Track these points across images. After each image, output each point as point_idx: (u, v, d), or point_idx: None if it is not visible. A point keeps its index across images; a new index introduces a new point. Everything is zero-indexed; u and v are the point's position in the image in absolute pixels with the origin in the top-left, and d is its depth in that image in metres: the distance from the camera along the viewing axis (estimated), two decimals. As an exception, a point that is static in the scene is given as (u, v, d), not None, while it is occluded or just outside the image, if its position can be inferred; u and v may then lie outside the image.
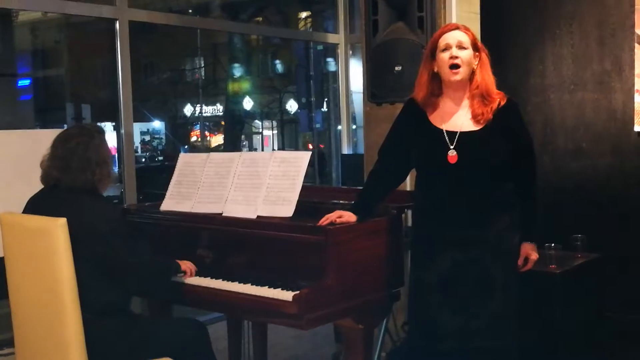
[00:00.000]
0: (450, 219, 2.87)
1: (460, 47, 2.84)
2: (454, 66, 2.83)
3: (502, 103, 2.88)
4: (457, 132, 2.86)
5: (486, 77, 2.88)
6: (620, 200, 4.25)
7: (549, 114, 4.52)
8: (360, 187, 3.18)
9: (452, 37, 2.86)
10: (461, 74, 2.84)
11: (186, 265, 3.07)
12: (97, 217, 2.85)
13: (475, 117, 2.86)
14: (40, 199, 3.00)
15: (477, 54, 2.88)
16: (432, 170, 2.93)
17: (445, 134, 2.87)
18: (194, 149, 22.95)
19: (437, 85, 2.93)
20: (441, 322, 2.88)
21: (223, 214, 3.20)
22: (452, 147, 2.84)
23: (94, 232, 2.81)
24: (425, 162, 2.95)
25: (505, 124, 2.87)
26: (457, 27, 2.91)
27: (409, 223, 3.21)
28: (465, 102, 2.91)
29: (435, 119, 2.93)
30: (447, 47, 2.85)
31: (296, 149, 21.41)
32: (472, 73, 2.88)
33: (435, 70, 2.90)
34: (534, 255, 2.98)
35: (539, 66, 4.55)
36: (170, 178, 3.55)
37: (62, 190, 2.92)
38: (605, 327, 4.01)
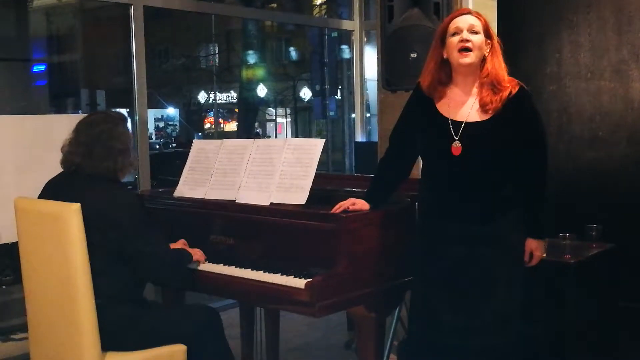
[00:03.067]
0: (453, 213, 2.79)
1: (472, 31, 2.74)
2: (464, 49, 2.73)
3: (514, 92, 2.76)
4: (462, 122, 2.77)
5: (497, 65, 2.77)
6: (636, 189, 4.21)
7: (565, 103, 4.49)
8: (374, 175, 3.16)
9: (464, 21, 2.76)
10: (471, 57, 2.73)
11: (197, 255, 3.07)
12: (115, 205, 2.86)
13: (483, 107, 2.76)
14: (59, 183, 3.00)
15: (488, 41, 2.79)
16: (436, 161, 2.85)
17: (450, 123, 2.78)
18: (208, 135, 22.99)
19: (445, 72, 2.84)
20: (443, 318, 2.82)
21: (236, 201, 3.20)
22: (456, 138, 2.75)
23: (111, 220, 2.81)
24: (429, 153, 2.88)
25: (515, 114, 2.76)
26: (469, 12, 2.82)
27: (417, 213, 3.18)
28: (474, 91, 2.80)
29: (442, 107, 2.83)
30: (458, 31, 2.75)
31: (309, 136, 21.42)
32: (483, 61, 2.79)
33: (445, 56, 2.81)
34: (539, 252, 2.89)
35: (556, 54, 4.51)
36: (184, 164, 3.55)
37: (82, 176, 2.92)
38: (620, 317, 3.99)
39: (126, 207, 2.89)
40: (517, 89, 2.79)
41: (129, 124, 3.24)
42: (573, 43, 4.45)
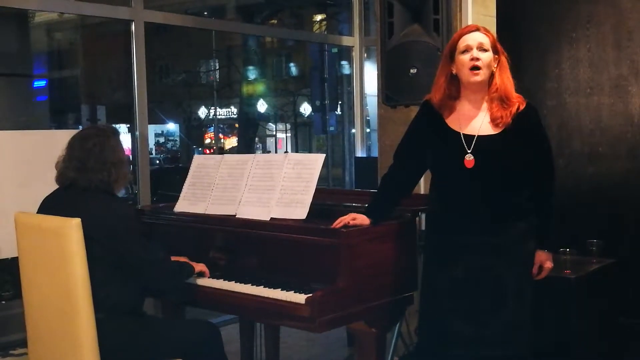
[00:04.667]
0: (465, 224, 2.82)
1: (481, 48, 2.79)
2: (474, 67, 2.77)
3: (521, 107, 2.83)
4: (475, 135, 2.81)
5: (505, 80, 2.83)
6: (636, 204, 4.21)
7: (565, 118, 4.50)
8: (374, 190, 3.17)
9: (473, 39, 2.81)
10: (481, 75, 2.78)
11: (199, 267, 3.07)
12: (112, 216, 2.86)
13: (494, 121, 2.81)
14: (55, 199, 3.01)
15: (496, 56, 2.83)
16: (448, 175, 2.88)
17: (462, 137, 2.82)
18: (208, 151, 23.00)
19: (455, 87, 2.88)
20: (453, 328, 2.84)
21: (236, 216, 3.20)
22: (469, 151, 2.79)
23: (108, 231, 2.82)
24: (441, 166, 2.91)
25: (524, 129, 2.82)
26: (477, 29, 2.85)
27: (423, 226, 3.19)
28: (484, 106, 2.85)
29: (452, 122, 2.88)
30: (468, 49, 2.80)
31: (310, 151, 21.43)
32: (491, 76, 2.83)
33: (454, 72, 2.85)
34: (549, 264, 2.93)
35: (555, 70, 4.53)
36: (184, 180, 3.55)
37: (77, 190, 2.93)
38: (620, 332, 3.98)
39: (123, 217, 2.89)
40: (524, 104, 2.85)
41: (128, 138, 3.25)
42: (572, 58, 4.47)
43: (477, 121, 2.84)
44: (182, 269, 3.02)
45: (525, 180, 2.84)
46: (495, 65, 2.83)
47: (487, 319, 2.81)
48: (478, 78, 2.79)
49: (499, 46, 2.87)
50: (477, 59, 2.77)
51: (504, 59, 2.86)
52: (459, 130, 2.84)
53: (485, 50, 2.80)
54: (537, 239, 2.90)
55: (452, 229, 2.86)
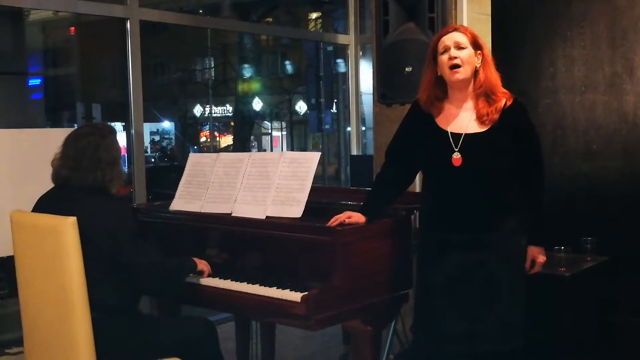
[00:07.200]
0: (456, 222, 2.85)
1: (459, 47, 2.83)
2: (454, 66, 2.82)
3: (508, 103, 2.87)
4: (462, 134, 2.85)
5: (489, 75, 2.87)
6: (630, 202, 4.22)
7: (559, 116, 4.50)
8: (370, 188, 3.17)
9: (450, 39, 2.86)
10: (462, 73, 2.83)
11: (202, 264, 3.06)
12: (106, 215, 2.86)
13: (480, 118, 2.85)
14: (50, 198, 3.01)
15: (478, 52, 2.87)
16: (437, 173, 2.92)
17: (450, 136, 2.86)
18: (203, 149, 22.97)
19: (441, 88, 2.93)
20: (448, 325, 2.87)
21: (232, 214, 3.21)
22: (456, 149, 2.82)
23: (103, 231, 2.82)
24: (430, 165, 2.95)
25: (511, 125, 2.85)
26: (455, 29, 2.91)
27: (418, 225, 3.20)
28: (470, 104, 2.89)
29: (441, 121, 2.92)
30: (446, 49, 2.85)
31: (305, 150, 21.42)
32: (476, 72, 2.87)
33: (439, 73, 2.90)
34: (541, 258, 2.97)
35: (550, 68, 4.53)
36: (180, 178, 3.55)
37: (71, 189, 2.93)
38: (614, 330, 3.99)
39: (117, 216, 2.89)
40: (511, 100, 2.88)
41: (123, 136, 3.25)
42: (567, 57, 4.48)
43: (464, 119, 2.88)
44: (181, 268, 3.01)
45: (514, 176, 2.87)
46: (478, 61, 2.86)
47: (482, 314, 2.83)
48: (459, 76, 2.83)
49: (479, 41, 2.90)
50: (455, 57, 2.82)
51: (487, 54, 2.90)
52: (446, 129, 2.88)
53: (463, 48, 2.84)
54: (528, 234, 2.94)
55: (444, 227, 2.88)
